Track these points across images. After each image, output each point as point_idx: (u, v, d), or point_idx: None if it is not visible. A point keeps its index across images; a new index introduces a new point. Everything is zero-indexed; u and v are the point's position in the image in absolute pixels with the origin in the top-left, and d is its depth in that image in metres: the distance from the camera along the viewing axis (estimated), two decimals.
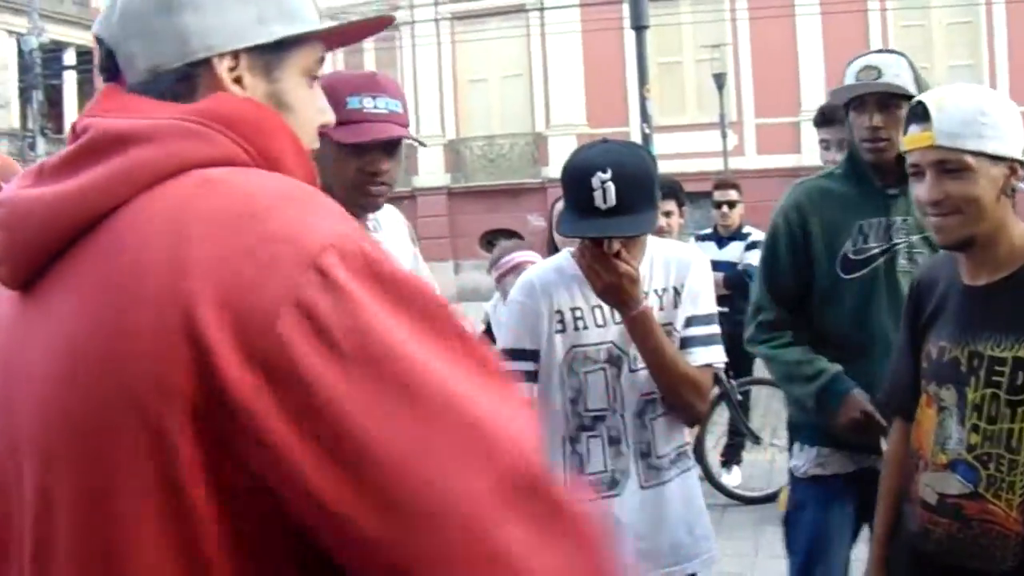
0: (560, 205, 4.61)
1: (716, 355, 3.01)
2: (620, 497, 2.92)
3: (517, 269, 4.81)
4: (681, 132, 26.02)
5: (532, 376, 2.99)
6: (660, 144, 24.38)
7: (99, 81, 1.43)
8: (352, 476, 1.06)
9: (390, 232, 3.01)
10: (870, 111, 3.36)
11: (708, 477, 7.40)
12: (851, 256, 3.43)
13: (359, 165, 2.76)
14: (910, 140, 2.59)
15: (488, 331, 4.96)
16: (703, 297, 3.02)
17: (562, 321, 2.97)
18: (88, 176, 1.21)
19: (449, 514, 1.06)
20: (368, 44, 30.10)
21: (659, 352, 2.85)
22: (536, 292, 3.00)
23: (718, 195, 8.16)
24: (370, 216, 2.95)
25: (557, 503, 1.12)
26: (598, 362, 2.95)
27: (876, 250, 3.41)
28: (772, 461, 8.00)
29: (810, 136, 4.83)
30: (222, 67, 1.33)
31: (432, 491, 1.06)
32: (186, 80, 1.33)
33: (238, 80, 1.35)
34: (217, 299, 1.09)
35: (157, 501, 1.10)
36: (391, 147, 2.79)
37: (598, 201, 2.73)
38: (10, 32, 34.69)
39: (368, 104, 2.73)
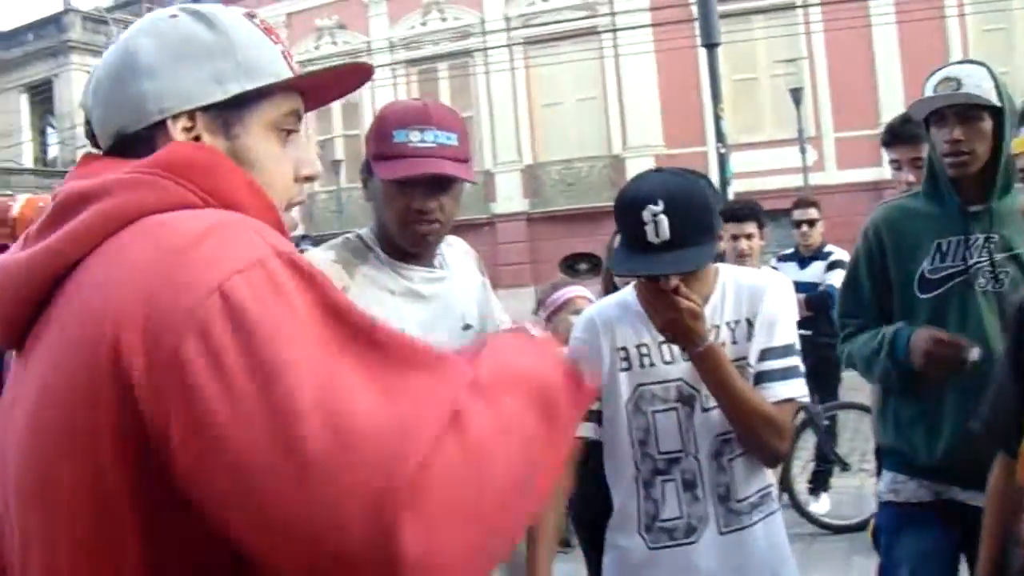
0: (618, 239, 4.48)
1: (796, 389, 2.80)
2: (696, 545, 2.77)
3: (568, 306, 4.65)
4: (759, 149, 25.75)
5: (595, 416, 2.86)
6: (738, 162, 24.11)
7: None
8: (233, 491, 1.09)
9: (456, 264, 2.91)
10: (951, 124, 3.22)
11: (795, 505, 7.21)
12: (927, 275, 3.30)
13: (405, 202, 2.65)
14: (1020, 143, 2.43)
15: None
16: (780, 327, 2.82)
17: (627, 358, 2.84)
18: (56, 235, 1.29)
19: (301, 530, 1.06)
20: (442, 72, 30.32)
21: (729, 389, 2.68)
22: (596, 328, 2.88)
23: (798, 214, 7.95)
24: (439, 249, 2.85)
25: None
26: (668, 401, 2.80)
27: (952, 269, 3.27)
28: (861, 487, 7.78)
29: None
30: (176, 128, 1.39)
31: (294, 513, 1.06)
32: (147, 143, 1.39)
33: (196, 139, 1.40)
34: (138, 328, 1.14)
35: (93, 527, 1.17)
36: (442, 182, 2.65)
37: (650, 235, 2.59)
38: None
39: (414, 138, 2.60)
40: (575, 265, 25.41)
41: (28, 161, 39.44)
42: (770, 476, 2.90)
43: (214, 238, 1.20)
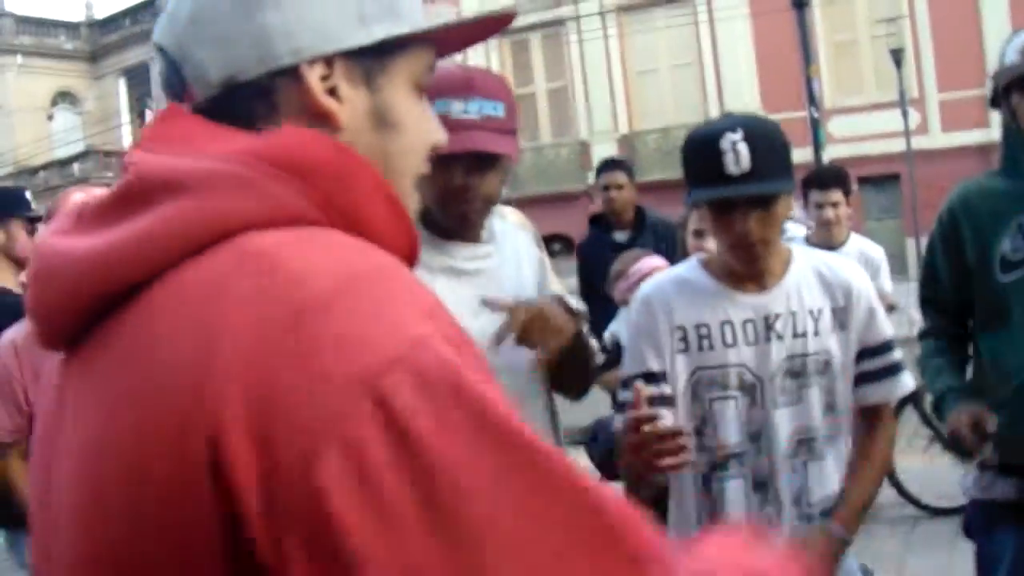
0: (695, 216, 4.23)
1: (902, 386, 2.66)
2: None
3: (651, 277, 4.43)
4: (860, 113, 25.39)
5: (668, 400, 2.63)
6: (838, 127, 23.69)
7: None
8: None
9: (507, 239, 2.68)
10: None
11: (896, 487, 6.86)
12: (1009, 256, 3.00)
13: (444, 178, 2.39)
14: None
15: (618, 353, 4.59)
16: (876, 323, 2.65)
17: (684, 339, 2.61)
18: (120, 233, 0.98)
19: None
20: (535, 41, 30.13)
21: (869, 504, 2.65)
22: (653, 307, 2.65)
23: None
24: (485, 225, 2.63)
25: None
26: (727, 388, 2.59)
27: None
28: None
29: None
30: (313, 76, 1.10)
31: None
32: (266, 96, 1.10)
33: (333, 91, 1.12)
34: (250, 430, 0.85)
35: None
36: (484, 157, 2.40)
37: (729, 166, 2.38)
38: None
39: (456, 108, 2.35)
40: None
41: (127, 144, 40.27)
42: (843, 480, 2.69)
43: (351, 299, 0.90)
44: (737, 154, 2.38)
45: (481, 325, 2.44)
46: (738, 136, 2.38)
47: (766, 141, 2.43)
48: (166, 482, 0.88)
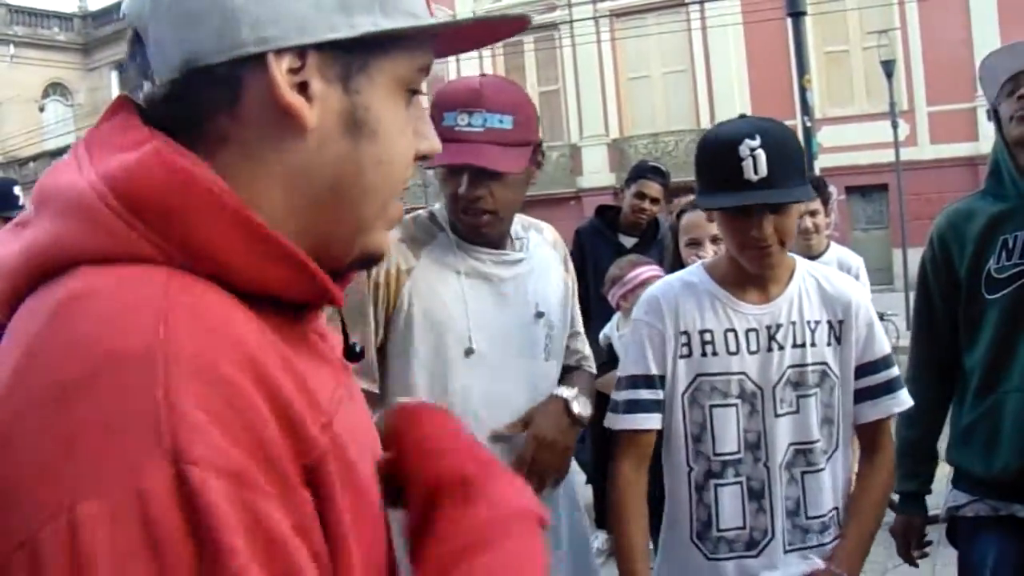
0: (687, 217, 4.27)
1: (900, 402, 2.66)
2: (758, 559, 2.58)
3: (647, 284, 4.45)
4: (850, 123, 25.39)
5: (660, 405, 2.66)
6: (828, 136, 23.63)
7: None
8: None
9: (538, 251, 2.76)
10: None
11: None
12: (994, 274, 3.02)
13: (452, 189, 2.49)
14: None
15: (611, 357, 4.61)
16: (876, 338, 2.65)
17: (688, 344, 2.61)
18: (13, 246, 0.96)
19: None
20: (528, 45, 30.11)
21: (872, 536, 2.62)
22: (661, 309, 2.65)
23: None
24: (521, 233, 2.71)
25: None
26: (728, 396, 2.58)
27: (1021, 267, 2.98)
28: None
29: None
30: (280, 68, 0.98)
31: None
32: (228, 86, 0.99)
33: (303, 87, 0.99)
34: None
35: None
36: (488, 171, 2.46)
37: (748, 172, 2.38)
38: None
39: (462, 122, 2.42)
40: None
41: None
42: (840, 498, 2.68)
43: (92, 399, 0.81)
44: (756, 160, 2.38)
45: (502, 323, 2.56)
46: (756, 143, 2.38)
47: (783, 147, 2.43)
48: None
